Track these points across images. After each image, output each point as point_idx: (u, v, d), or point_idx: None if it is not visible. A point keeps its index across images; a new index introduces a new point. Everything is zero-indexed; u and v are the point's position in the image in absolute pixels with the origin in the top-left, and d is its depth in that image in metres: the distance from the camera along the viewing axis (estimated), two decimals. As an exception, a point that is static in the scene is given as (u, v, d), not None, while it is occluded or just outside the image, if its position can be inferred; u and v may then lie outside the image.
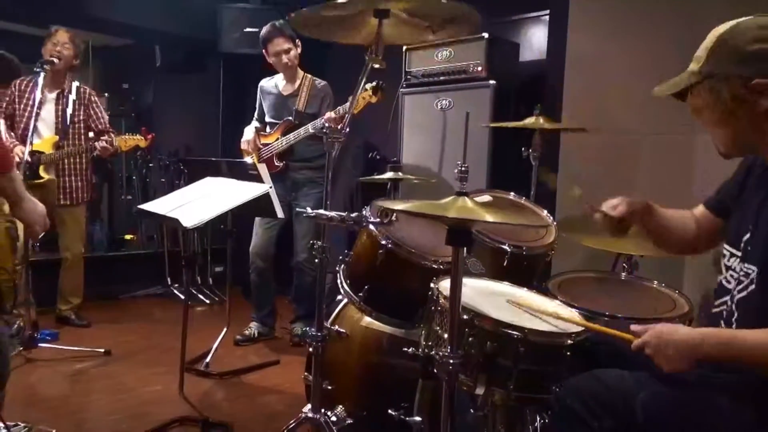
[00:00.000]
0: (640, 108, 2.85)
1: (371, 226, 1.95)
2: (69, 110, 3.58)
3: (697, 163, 2.67)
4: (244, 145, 3.55)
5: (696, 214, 1.62)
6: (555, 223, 2.25)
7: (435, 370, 1.35)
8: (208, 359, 3.10)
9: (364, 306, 2.00)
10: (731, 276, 1.38)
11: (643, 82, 2.83)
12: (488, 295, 1.65)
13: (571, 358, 1.41)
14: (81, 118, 3.63)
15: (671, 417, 1.25)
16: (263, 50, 3.43)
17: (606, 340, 1.45)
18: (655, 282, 2.15)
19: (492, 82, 3.29)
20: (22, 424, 2.22)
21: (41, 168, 3.44)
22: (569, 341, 1.41)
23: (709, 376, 1.27)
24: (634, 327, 1.33)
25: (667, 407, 1.25)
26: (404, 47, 3.60)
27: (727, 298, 1.37)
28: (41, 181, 3.42)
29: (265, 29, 3.40)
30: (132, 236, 5.70)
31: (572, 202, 2.01)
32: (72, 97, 3.60)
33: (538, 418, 1.57)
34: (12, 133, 3.43)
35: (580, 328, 1.46)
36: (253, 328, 3.63)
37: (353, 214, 1.88)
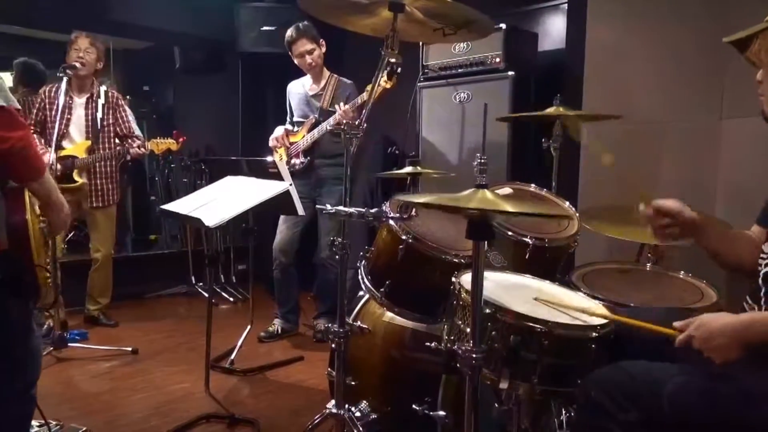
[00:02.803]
0: (663, 96, 2.80)
1: (391, 222, 1.94)
2: (99, 114, 3.64)
3: (723, 151, 2.61)
4: (272, 142, 3.59)
5: (754, 234, 1.53)
6: (577, 214, 2.22)
7: (458, 365, 1.34)
8: (232, 356, 3.13)
9: (386, 301, 2.00)
10: (761, 257, 1.38)
11: (666, 69, 2.80)
12: (510, 289, 1.64)
13: (596, 351, 1.39)
14: (110, 122, 3.69)
15: (700, 408, 1.22)
16: (289, 52, 3.47)
17: (631, 332, 1.42)
18: (682, 272, 2.11)
19: (511, 73, 3.25)
20: (54, 422, 2.27)
21: (75, 172, 3.53)
22: (594, 334, 1.39)
23: (741, 368, 1.25)
24: (676, 324, 1.31)
25: (696, 398, 1.23)
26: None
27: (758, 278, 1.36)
28: (76, 185, 3.51)
29: (288, 32, 3.42)
30: (155, 236, 5.79)
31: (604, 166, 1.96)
32: (101, 101, 3.66)
33: (563, 411, 1.55)
34: (42, 140, 3.51)
35: (604, 321, 1.44)
36: (276, 324, 3.66)
37: (373, 210, 1.88)
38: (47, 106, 3.57)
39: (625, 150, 2.94)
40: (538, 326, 1.36)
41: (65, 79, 3.34)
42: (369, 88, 1.93)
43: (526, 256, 1.97)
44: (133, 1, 4.59)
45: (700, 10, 2.62)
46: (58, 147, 3.46)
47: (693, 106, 2.70)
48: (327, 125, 3.32)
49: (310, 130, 3.45)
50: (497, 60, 3.29)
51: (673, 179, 2.72)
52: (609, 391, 1.26)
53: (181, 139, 3.66)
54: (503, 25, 3.25)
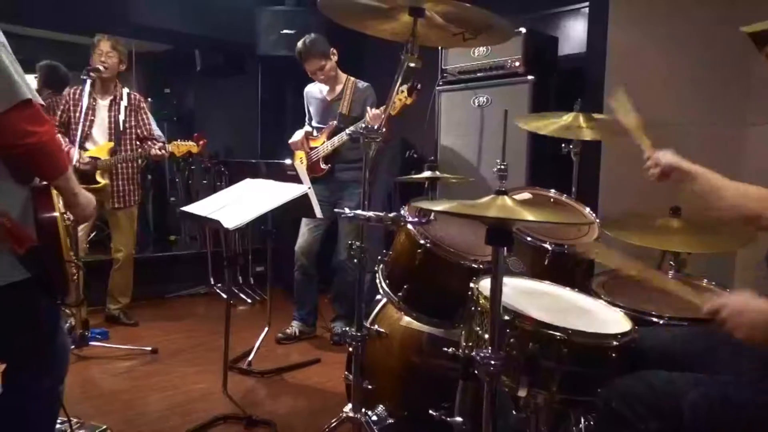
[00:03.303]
0: (686, 100, 2.76)
1: (409, 226, 1.94)
2: (121, 116, 3.70)
3: (748, 157, 2.57)
4: (293, 146, 3.61)
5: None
6: (598, 220, 2.20)
7: (476, 372, 1.33)
8: (250, 358, 3.15)
9: (403, 306, 2.00)
10: None
11: (688, 73, 2.76)
12: (529, 295, 1.63)
13: (616, 360, 1.37)
14: (132, 124, 3.74)
15: (721, 418, 1.21)
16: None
17: (650, 341, 1.41)
18: (705, 280, 2.08)
19: (530, 77, 3.24)
20: (75, 420, 2.30)
21: (97, 173, 3.58)
22: (615, 342, 1.38)
23: (762, 377, 1.23)
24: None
25: (717, 408, 1.21)
26: (440, 45, 3.58)
27: None
28: (98, 186, 3.57)
29: (297, 46, 3.43)
30: (175, 237, 5.85)
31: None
32: (123, 103, 3.72)
33: (582, 420, 1.54)
34: (66, 139, 3.57)
35: (626, 328, 1.43)
36: (294, 326, 3.67)
37: (391, 214, 1.88)
38: (71, 108, 3.64)
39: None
40: (557, 334, 1.35)
41: (89, 81, 3.40)
42: (390, 95, 1.93)
43: (546, 263, 1.96)
44: (155, 4, 4.65)
45: (726, 13, 2.58)
46: (81, 148, 3.52)
47: (717, 112, 2.67)
48: (344, 134, 3.33)
49: (330, 136, 3.47)
50: (517, 64, 3.28)
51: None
52: (629, 400, 1.25)
53: (201, 142, 3.71)
54: (523, 29, 3.24)
